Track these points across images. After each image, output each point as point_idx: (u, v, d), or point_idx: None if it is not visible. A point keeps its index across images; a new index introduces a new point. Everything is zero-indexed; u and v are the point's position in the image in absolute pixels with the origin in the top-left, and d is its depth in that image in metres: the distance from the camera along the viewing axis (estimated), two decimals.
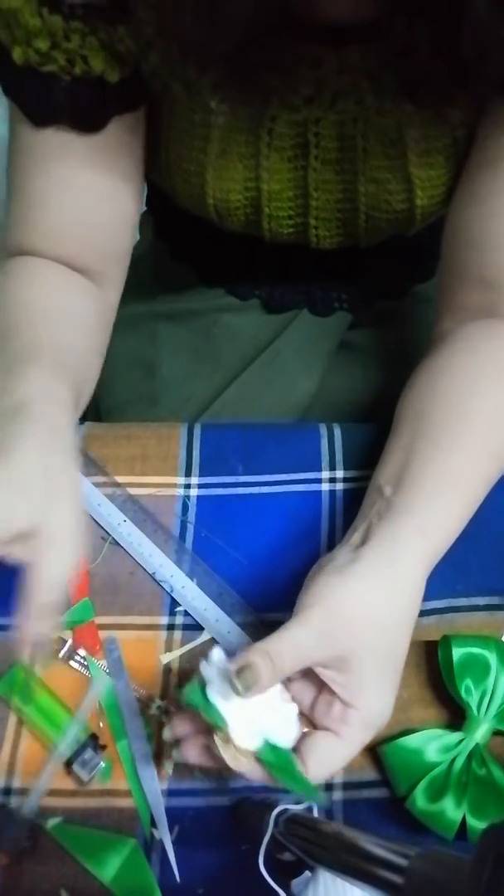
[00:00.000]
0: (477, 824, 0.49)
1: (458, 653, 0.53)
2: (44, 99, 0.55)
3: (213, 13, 0.46)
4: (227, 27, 0.46)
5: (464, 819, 0.49)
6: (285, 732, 0.46)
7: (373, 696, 0.46)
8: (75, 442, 0.50)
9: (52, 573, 0.45)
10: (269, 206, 0.63)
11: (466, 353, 0.59)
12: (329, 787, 0.53)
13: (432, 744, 0.51)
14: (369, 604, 0.47)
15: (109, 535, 0.62)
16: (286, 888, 0.44)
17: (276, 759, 0.45)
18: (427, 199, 0.62)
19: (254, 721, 0.45)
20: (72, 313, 0.61)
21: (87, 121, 0.56)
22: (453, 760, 0.51)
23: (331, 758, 0.46)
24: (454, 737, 0.52)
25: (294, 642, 0.45)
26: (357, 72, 0.55)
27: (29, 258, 0.62)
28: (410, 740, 0.52)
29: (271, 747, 0.46)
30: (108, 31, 0.52)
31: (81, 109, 0.56)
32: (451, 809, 0.49)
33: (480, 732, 0.51)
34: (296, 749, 0.46)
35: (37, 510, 0.45)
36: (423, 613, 0.53)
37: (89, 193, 0.60)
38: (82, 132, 0.56)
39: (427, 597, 0.50)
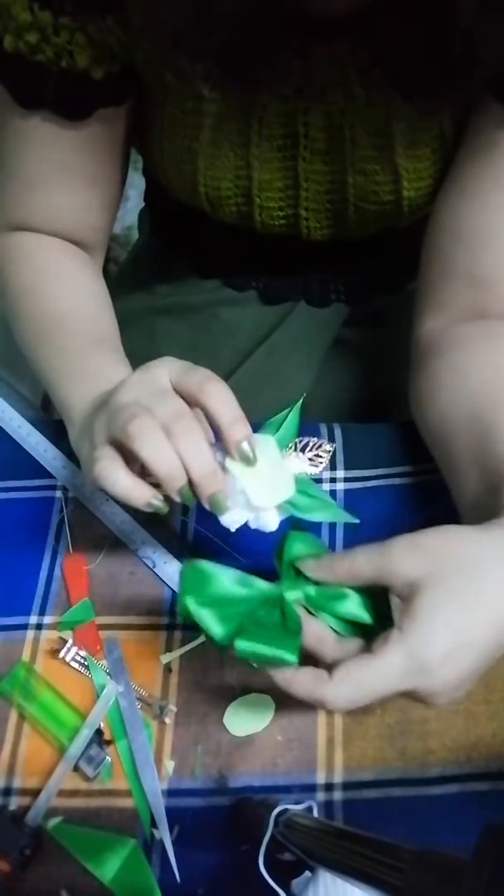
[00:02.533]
0: (241, 644, 0.46)
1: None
2: (31, 86, 0.56)
3: (204, 5, 0.46)
4: (217, 19, 0.47)
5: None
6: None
7: (422, 621, 0.43)
8: None
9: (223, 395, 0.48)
10: (259, 196, 0.64)
11: (482, 351, 0.59)
12: (329, 787, 0.53)
13: (237, 579, 0.49)
14: (463, 545, 0.45)
15: (110, 534, 0.62)
16: (286, 888, 0.44)
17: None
18: (414, 190, 0.62)
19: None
20: (94, 291, 0.66)
21: (72, 111, 0.58)
22: (247, 597, 0.49)
23: (360, 675, 0.43)
24: (265, 584, 0.49)
25: (380, 548, 0.46)
26: (346, 64, 0.55)
27: (30, 236, 0.65)
28: (209, 565, 0.49)
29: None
30: (98, 23, 0.53)
31: (67, 100, 0.57)
32: (215, 624, 0.47)
33: (296, 593, 0.49)
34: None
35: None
36: None
37: (82, 176, 0.63)
38: (68, 120, 0.58)
39: None
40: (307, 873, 0.44)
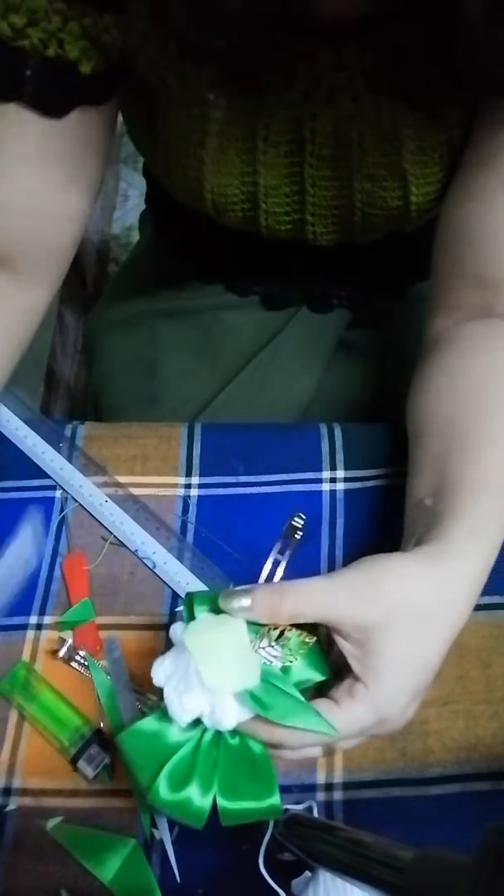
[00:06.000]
0: (229, 805, 0.44)
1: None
2: (8, 73, 0.52)
3: (208, 6, 0.46)
4: (222, 20, 0.46)
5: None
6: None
7: (387, 680, 0.44)
8: None
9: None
10: (265, 202, 0.63)
11: (479, 353, 0.59)
12: (329, 787, 0.53)
13: (174, 723, 0.45)
14: (411, 587, 0.45)
15: (110, 534, 0.62)
16: (286, 888, 0.44)
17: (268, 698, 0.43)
18: (422, 195, 0.62)
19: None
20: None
21: (49, 105, 0.54)
22: (202, 736, 0.45)
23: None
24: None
25: (312, 589, 0.44)
26: (353, 69, 0.55)
27: None
28: (146, 724, 0.45)
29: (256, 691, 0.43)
30: (96, 18, 0.51)
31: (45, 92, 0.53)
32: (198, 797, 0.44)
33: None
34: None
35: None
36: None
37: (41, 180, 0.57)
38: (42, 115, 0.54)
39: None
40: (307, 873, 0.44)
